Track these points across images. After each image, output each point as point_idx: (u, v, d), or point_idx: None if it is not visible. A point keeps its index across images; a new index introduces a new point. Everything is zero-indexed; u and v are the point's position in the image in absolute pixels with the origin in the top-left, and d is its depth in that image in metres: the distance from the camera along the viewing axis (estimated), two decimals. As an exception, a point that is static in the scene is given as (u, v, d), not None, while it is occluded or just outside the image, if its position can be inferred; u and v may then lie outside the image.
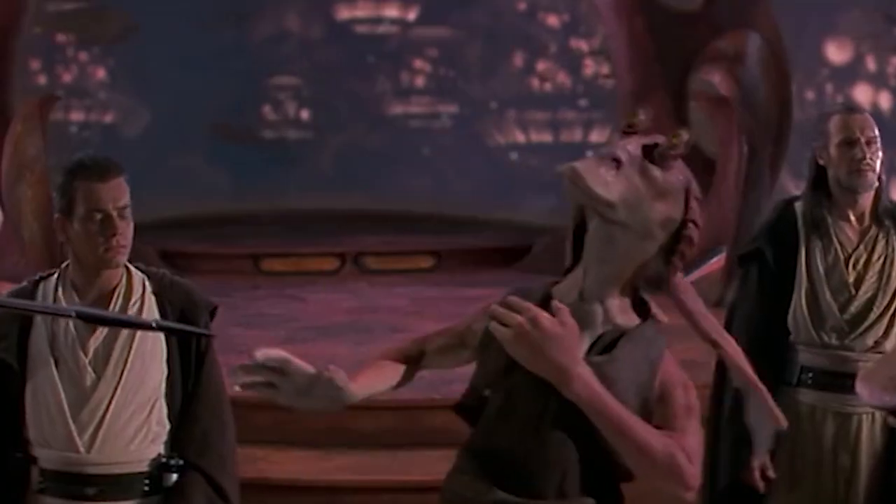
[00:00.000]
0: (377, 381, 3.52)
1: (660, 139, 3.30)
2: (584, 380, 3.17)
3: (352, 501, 6.65)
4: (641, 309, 3.40)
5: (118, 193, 3.83)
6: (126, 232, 3.84)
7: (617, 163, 3.23)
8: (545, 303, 3.31)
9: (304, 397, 3.30)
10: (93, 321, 3.60)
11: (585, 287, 3.32)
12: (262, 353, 3.27)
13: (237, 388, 3.31)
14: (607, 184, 3.21)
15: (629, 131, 3.33)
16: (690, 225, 3.36)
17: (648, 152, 3.28)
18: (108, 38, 13.18)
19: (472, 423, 3.46)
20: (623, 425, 3.19)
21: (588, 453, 3.30)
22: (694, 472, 3.26)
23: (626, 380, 3.27)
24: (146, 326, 3.54)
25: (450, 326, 3.59)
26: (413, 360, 3.59)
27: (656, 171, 3.27)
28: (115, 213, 3.81)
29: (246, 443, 6.70)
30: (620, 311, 3.35)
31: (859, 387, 4.57)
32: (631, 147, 3.28)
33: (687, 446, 3.27)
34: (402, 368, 3.57)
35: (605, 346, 3.32)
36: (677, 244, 3.36)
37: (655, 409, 3.31)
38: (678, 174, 3.33)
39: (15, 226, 9.48)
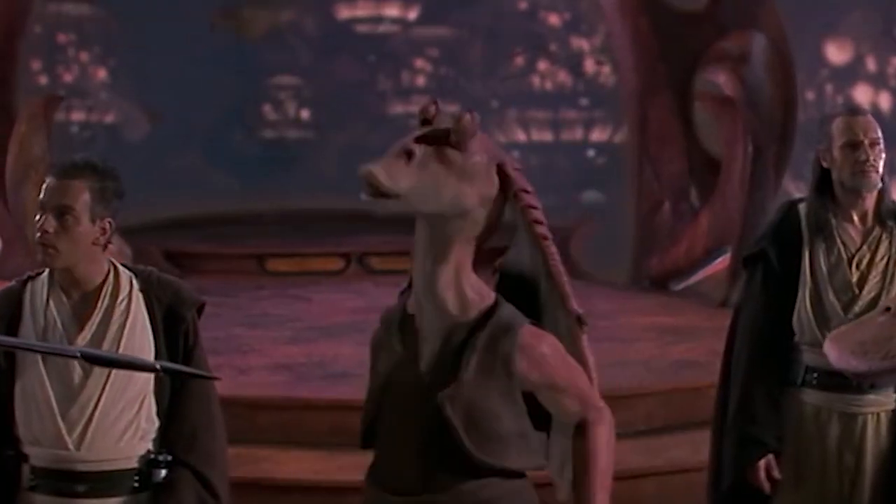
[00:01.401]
0: None
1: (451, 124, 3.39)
2: None
3: (356, 501, 6.61)
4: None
5: (60, 193, 3.81)
6: (62, 236, 3.81)
7: (409, 155, 3.31)
8: (404, 322, 3.47)
9: None
10: (99, 363, 3.61)
11: (418, 288, 3.43)
12: None
13: None
14: (396, 176, 3.29)
15: (425, 123, 3.41)
16: (521, 194, 3.46)
17: (446, 137, 3.35)
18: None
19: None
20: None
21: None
22: (600, 406, 3.52)
23: (484, 393, 3.38)
24: (150, 369, 3.54)
25: None
26: None
27: (455, 155, 3.35)
28: (52, 212, 3.81)
29: (249, 443, 6.75)
30: (458, 306, 3.43)
31: (827, 347, 4.59)
32: (423, 136, 3.37)
33: (592, 399, 3.52)
34: None
35: (453, 353, 3.41)
36: (526, 218, 3.47)
37: (540, 393, 3.46)
38: (480, 153, 3.40)
39: (20, 226, 9.49)
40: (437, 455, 3.42)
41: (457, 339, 3.42)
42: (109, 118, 13.56)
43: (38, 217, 3.85)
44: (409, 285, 3.53)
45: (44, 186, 3.86)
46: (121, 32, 13.27)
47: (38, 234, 3.82)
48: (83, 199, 3.82)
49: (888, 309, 4.62)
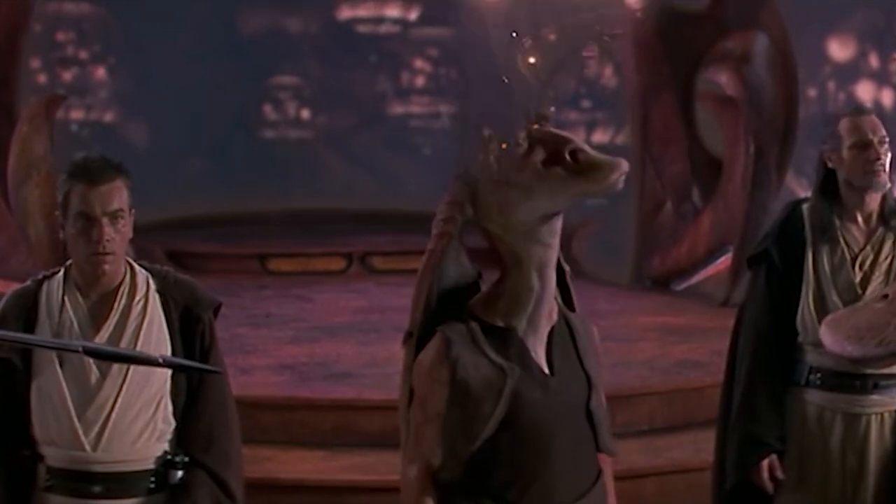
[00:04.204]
0: None
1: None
2: None
3: (358, 501, 6.66)
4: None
5: (109, 198, 3.82)
6: (116, 238, 3.83)
7: None
8: (497, 337, 3.48)
9: None
10: (101, 357, 3.61)
11: (539, 298, 3.52)
12: None
13: None
14: None
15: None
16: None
17: None
18: None
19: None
20: None
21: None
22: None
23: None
24: (153, 363, 3.52)
25: (421, 424, 3.55)
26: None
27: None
28: (104, 219, 3.81)
29: (253, 443, 6.73)
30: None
31: (823, 331, 4.59)
32: None
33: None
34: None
35: (572, 356, 3.58)
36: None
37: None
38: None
39: (22, 225, 9.49)
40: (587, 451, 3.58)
41: (561, 340, 3.56)
42: (109, 117, 13.54)
43: (82, 226, 3.81)
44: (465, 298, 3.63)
45: (76, 195, 3.83)
46: (121, 31, 13.26)
47: (99, 246, 3.80)
48: (125, 197, 3.86)
49: (886, 296, 4.62)
